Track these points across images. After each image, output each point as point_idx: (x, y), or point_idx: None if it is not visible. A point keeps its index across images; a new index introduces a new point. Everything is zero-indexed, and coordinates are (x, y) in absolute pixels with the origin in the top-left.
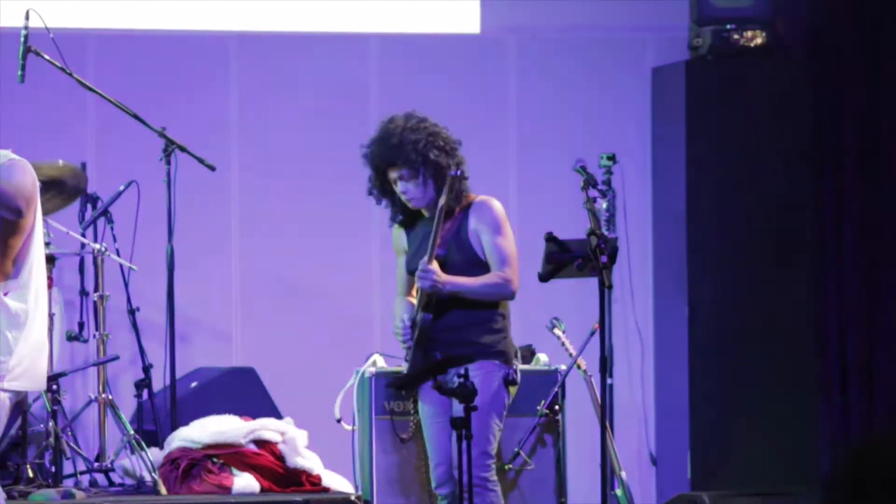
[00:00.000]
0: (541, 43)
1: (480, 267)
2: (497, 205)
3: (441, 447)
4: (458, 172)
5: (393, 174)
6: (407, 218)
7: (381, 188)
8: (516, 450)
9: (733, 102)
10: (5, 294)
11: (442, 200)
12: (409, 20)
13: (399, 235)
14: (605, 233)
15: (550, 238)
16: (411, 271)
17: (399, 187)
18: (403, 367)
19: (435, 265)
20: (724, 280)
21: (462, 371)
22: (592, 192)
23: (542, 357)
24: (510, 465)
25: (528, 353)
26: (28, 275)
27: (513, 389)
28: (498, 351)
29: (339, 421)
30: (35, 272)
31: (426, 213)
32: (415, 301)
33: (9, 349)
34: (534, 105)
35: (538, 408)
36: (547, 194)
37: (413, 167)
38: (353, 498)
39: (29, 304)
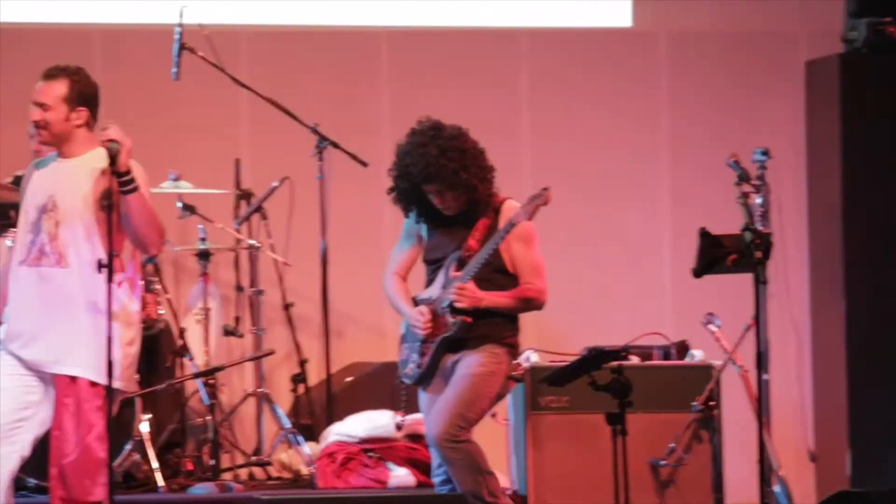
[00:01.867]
0: (692, 37)
1: (503, 274)
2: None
3: None
4: (519, 219)
5: (428, 189)
6: (432, 219)
7: (412, 198)
8: (672, 445)
9: (889, 96)
10: (119, 285)
11: (497, 240)
12: (559, 15)
13: (419, 223)
14: (760, 228)
15: (704, 234)
16: (428, 262)
17: (435, 200)
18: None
19: (471, 283)
20: (880, 274)
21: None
22: (746, 188)
23: (697, 353)
24: (666, 461)
25: (683, 349)
26: (133, 272)
27: (511, 385)
28: (507, 343)
29: (493, 416)
30: (136, 272)
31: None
32: (404, 290)
33: (122, 349)
34: (685, 100)
35: (693, 403)
36: (700, 189)
37: (450, 186)
38: (508, 493)
39: (136, 302)
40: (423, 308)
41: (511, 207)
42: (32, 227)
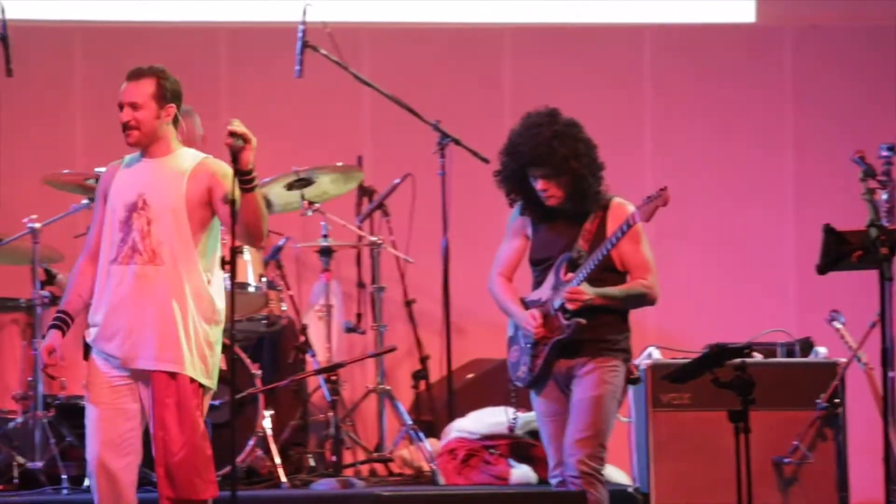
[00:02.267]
0: (818, 31)
1: (612, 272)
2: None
3: (560, 446)
4: (636, 219)
5: (534, 173)
6: (537, 211)
7: (517, 183)
8: (796, 443)
9: None
10: (208, 282)
11: (613, 242)
12: (682, 11)
13: (523, 220)
14: (885, 224)
15: (829, 230)
16: (536, 262)
17: (538, 185)
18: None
19: (585, 286)
20: None
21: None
22: (872, 183)
23: (821, 350)
24: (789, 459)
25: (807, 346)
26: (218, 269)
27: (629, 387)
28: (621, 349)
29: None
30: (219, 267)
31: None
32: (511, 291)
33: (212, 346)
34: (810, 95)
35: (817, 401)
36: (825, 185)
37: (557, 172)
38: (630, 490)
39: (223, 300)
40: (535, 311)
41: (620, 206)
42: (122, 226)
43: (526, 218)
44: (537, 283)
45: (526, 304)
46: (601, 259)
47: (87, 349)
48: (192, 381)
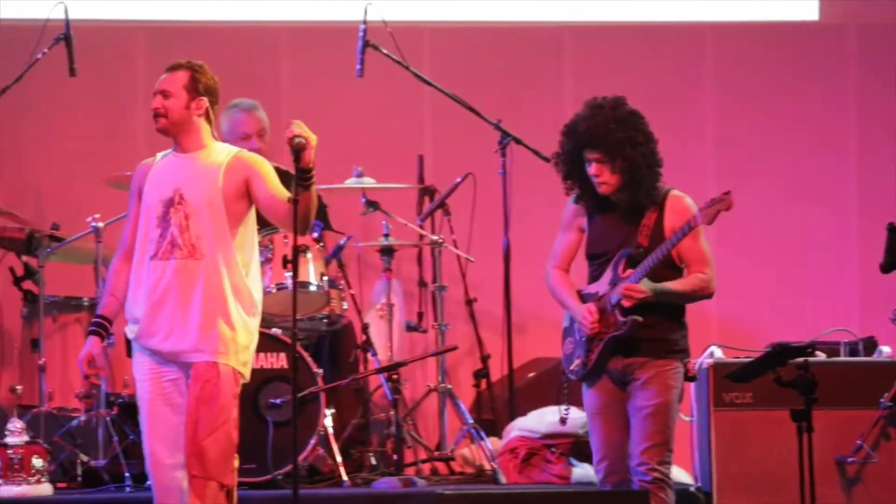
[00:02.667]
0: (883, 29)
1: (670, 268)
2: (693, 204)
3: (607, 440)
4: (698, 222)
5: (589, 156)
6: (592, 201)
7: (573, 165)
8: (859, 443)
9: None
10: (246, 275)
11: (673, 242)
12: (745, 9)
13: (581, 211)
14: None
15: (893, 228)
16: (592, 255)
17: (592, 169)
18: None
19: (644, 282)
20: None
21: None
22: None
23: (885, 349)
24: (852, 459)
25: (870, 345)
26: (257, 264)
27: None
28: (680, 349)
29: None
30: (257, 260)
31: (613, 199)
32: (569, 285)
33: (251, 337)
34: (874, 93)
35: (881, 400)
36: (889, 184)
37: (612, 156)
38: (692, 490)
39: (261, 293)
40: (591, 306)
41: (678, 199)
42: (160, 222)
43: (580, 210)
44: (594, 277)
45: (583, 298)
46: (661, 258)
47: (129, 345)
48: (234, 371)
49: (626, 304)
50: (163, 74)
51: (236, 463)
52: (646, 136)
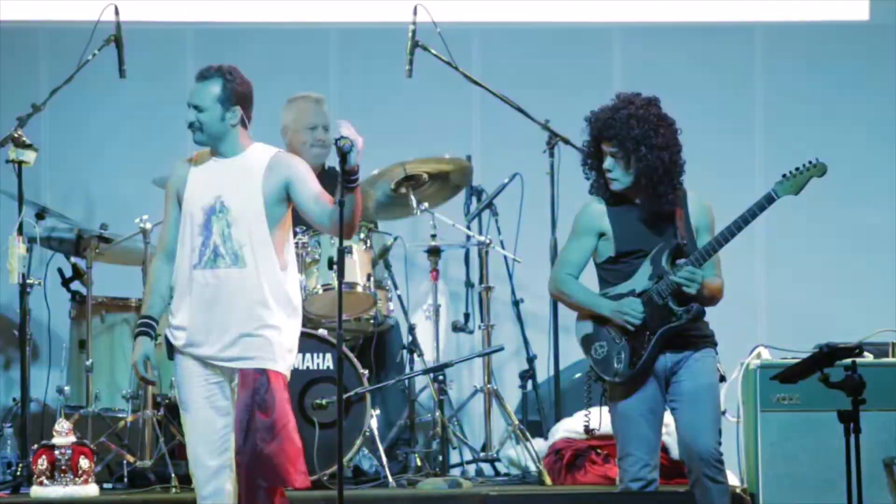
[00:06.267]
0: None
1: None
2: (710, 203)
3: (648, 443)
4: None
5: (606, 148)
6: (607, 195)
7: (595, 157)
8: None
9: None
10: (285, 279)
11: (747, 218)
12: (794, 9)
13: (599, 215)
14: None
15: None
16: (623, 254)
17: (606, 162)
18: (787, 359)
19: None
20: None
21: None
22: None
23: None
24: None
25: None
26: (293, 265)
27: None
28: (716, 342)
29: (723, 413)
30: (293, 261)
31: (634, 198)
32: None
33: (293, 340)
34: None
35: None
36: None
37: (625, 152)
38: (738, 491)
39: (298, 294)
40: (634, 300)
41: (697, 195)
42: (202, 230)
43: (599, 212)
44: (624, 276)
45: (612, 299)
46: (725, 242)
47: (170, 348)
48: (282, 375)
49: (688, 290)
50: (194, 83)
51: (304, 465)
52: (666, 140)
